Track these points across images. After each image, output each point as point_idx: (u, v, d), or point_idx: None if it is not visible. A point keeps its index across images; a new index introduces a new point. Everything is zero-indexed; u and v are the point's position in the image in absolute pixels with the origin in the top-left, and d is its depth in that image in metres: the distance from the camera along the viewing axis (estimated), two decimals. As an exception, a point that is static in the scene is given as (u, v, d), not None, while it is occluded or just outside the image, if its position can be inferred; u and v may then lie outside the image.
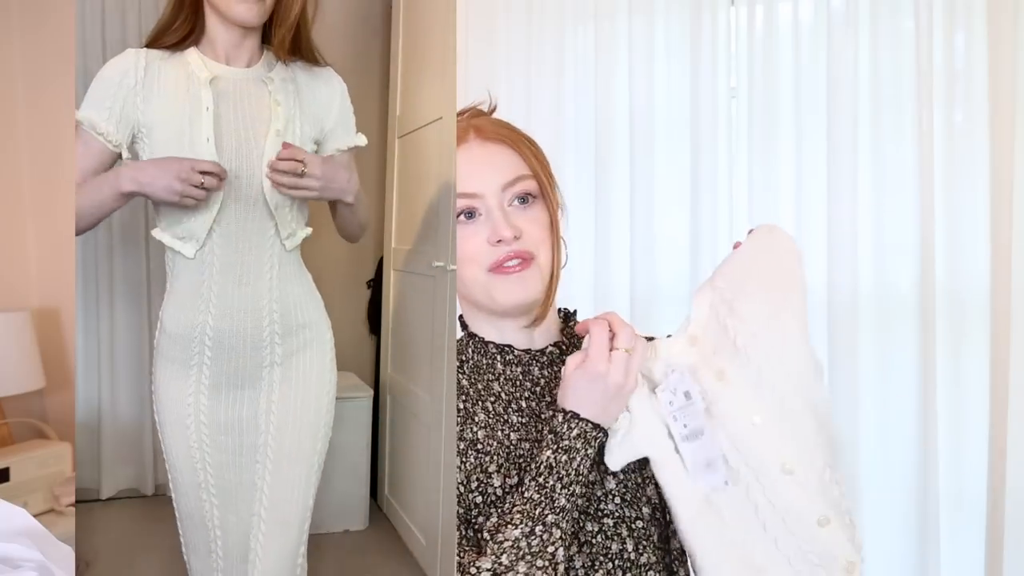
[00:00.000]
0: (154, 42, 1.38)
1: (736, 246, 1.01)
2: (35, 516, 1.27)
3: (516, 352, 1.04)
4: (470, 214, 0.99)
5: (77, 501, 2.19)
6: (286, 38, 1.36)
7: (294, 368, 1.46)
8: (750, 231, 1.02)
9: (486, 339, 1.04)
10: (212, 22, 1.38)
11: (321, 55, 1.46)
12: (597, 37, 2.31)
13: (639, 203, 2.28)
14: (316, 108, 1.45)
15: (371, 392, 2.77)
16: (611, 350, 0.93)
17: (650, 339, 1.01)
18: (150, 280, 2.95)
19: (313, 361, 1.49)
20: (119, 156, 1.37)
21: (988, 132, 2.03)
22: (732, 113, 2.26)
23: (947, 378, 2.08)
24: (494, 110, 1.07)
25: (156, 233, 1.40)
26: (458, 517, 0.95)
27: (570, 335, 1.08)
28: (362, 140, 1.53)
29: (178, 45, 1.38)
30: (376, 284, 3.09)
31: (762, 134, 2.20)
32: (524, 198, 1.00)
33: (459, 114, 1.07)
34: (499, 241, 0.97)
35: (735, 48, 2.25)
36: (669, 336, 1.00)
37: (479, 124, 1.03)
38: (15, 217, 2.36)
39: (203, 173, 1.27)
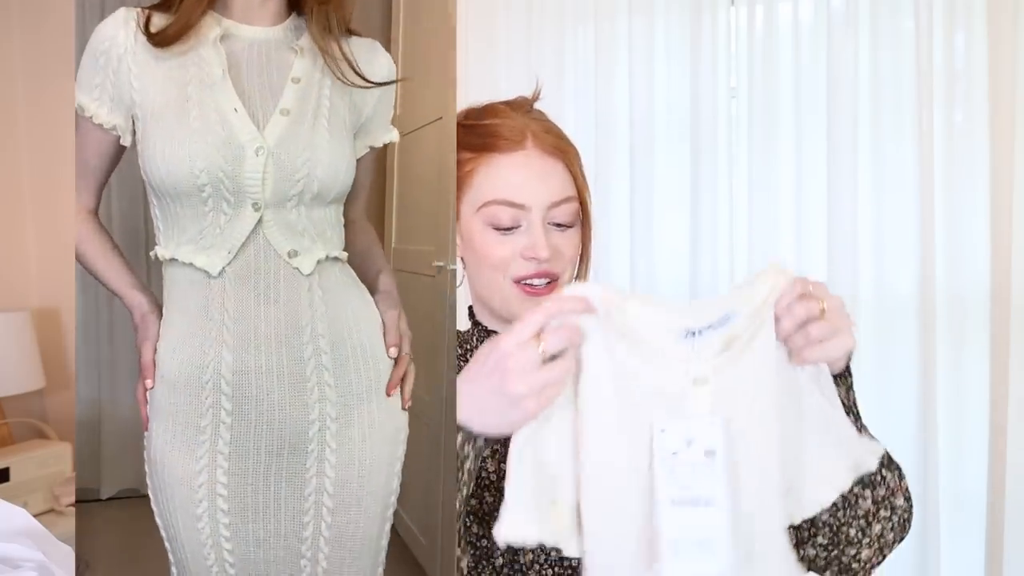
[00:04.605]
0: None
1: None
2: (35, 516, 1.27)
3: None
4: (509, 226, 0.97)
5: (77, 501, 2.19)
6: (330, 15, 1.05)
7: (356, 422, 1.09)
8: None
9: (489, 328, 1.06)
10: None
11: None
12: (597, 37, 2.31)
13: (639, 204, 2.28)
14: (354, 89, 1.10)
15: (371, 392, 2.76)
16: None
17: None
18: (150, 280, 2.95)
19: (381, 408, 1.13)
20: (123, 143, 1.07)
21: (988, 132, 2.03)
22: (732, 113, 2.26)
23: (947, 378, 2.08)
24: (537, 98, 1.05)
25: (164, 252, 1.12)
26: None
27: None
28: (395, 135, 1.23)
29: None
30: (376, 284, 3.09)
31: (762, 134, 2.20)
32: (561, 225, 0.99)
33: (505, 104, 1.04)
34: (532, 257, 0.97)
35: (735, 48, 2.24)
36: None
37: (536, 131, 1.00)
38: (15, 217, 2.36)
39: None
